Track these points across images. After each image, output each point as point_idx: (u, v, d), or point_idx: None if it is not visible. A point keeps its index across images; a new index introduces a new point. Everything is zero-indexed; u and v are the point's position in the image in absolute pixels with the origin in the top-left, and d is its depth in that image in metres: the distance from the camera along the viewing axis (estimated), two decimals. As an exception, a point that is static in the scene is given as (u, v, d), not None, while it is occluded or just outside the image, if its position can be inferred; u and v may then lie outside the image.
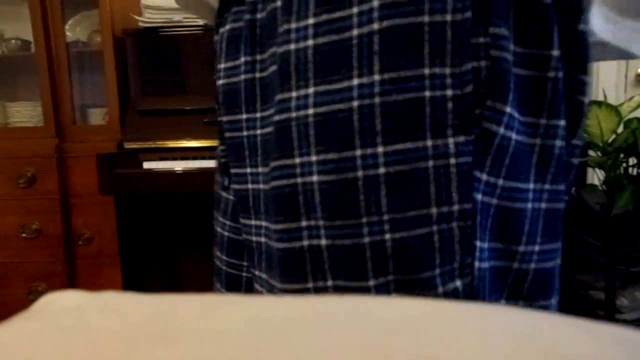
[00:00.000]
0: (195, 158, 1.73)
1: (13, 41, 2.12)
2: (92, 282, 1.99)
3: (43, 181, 1.95)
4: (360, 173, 0.45)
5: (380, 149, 0.44)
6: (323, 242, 0.47)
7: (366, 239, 0.45)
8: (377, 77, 0.44)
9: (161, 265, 2.11)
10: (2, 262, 2.00)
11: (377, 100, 0.44)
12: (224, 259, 0.66)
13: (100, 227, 1.97)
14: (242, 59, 0.54)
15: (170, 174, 1.72)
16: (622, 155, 1.61)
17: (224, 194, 0.64)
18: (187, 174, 1.70)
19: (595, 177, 1.84)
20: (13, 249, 1.99)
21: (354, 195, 0.45)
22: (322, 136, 0.46)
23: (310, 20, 0.46)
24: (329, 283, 0.47)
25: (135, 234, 1.95)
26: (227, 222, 0.64)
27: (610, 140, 1.61)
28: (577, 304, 1.80)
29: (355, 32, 0.44)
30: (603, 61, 0.78)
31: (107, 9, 1.90)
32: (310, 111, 0.46)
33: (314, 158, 0.46)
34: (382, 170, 0.45)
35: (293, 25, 0.47)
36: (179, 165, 1.72)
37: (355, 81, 0.44)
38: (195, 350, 0.19)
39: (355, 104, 0.44)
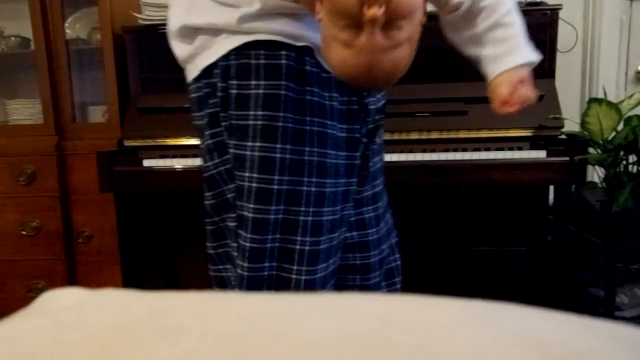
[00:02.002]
0: (195, 156, 1.73)
1: (13, 39, 2.11)
2: (92, 280, 1.99)
3: (43, 179, 1.94)
4: None
5: None
6: None
7: None
8: None
9: (161, 263, 2.12)
10: (2, 259, 2.00)
11: None
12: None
13: (100, 224, 1.97)
14: None
15: (170, 171, 1.72)
16: (622, 153, 1.61)
17: None
18: (187, 171, 1.70)
19: (595, 174, 1.84)
20: (13, 247, 1.99)
21: None
22: None
23: None
24: None
25: (135, 231, 1.95)
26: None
27: (610, 138, 1.61)
28: (576, 302, 1.80)
29: None
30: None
31: (107, 7, 1.90)
32: None
33: None
34: None
35: None
36: (178, 163, 1.72)
37: None
38: (195, 347, 0.19)
39: None
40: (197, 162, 1.70)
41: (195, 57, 0.86)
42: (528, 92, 0.88)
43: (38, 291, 2.01)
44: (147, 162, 1.75)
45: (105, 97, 1.98)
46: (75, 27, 2.12)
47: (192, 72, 0.88)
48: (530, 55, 0.92)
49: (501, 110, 0.89)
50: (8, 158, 1.95)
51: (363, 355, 0.18)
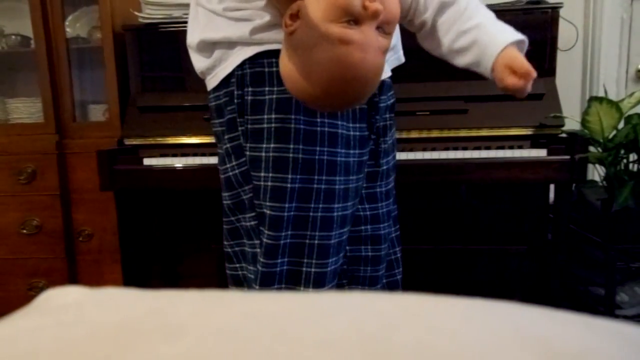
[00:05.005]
0: (195, 154, 1.73)
1: (13, 37, 2.11)
2: (93, 279, 1.99)
3: (43, 177, 1.94)
4: None
5: None
6: None
7: None
8: None
9: (161, 262, 2.12)
10: (2, 258, 2.01)
11: None
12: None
13: (100, 223, 1.97)
14: None
15: (171, 170, 1.72)
16: (622, 151, 1.61)
17: None
18: (187, 170, 1.70)
19: (596, 173, 1.84)
20: (13, 245, 1.99)
21: None
22: None
23: None
24: None
25: (136, 230, 1.95)
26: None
27: (610, 136, 1.61)
28: (577, 300, 1.80)
29: None
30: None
31: (107, 5, 1.89)
32: None
33: None
34: None
35: None
36: (179, 162, 1.72)
37: None
38: (196, 345, 0.19)
39: None
40: (197, 160, 1.70)
41: (215, 69, 0.94)
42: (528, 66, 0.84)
43: (38, 290, 2.02)
44: (147, 161, 1.75)
45: (106, 95, 1.98)
46: (75, 26, 2.11)
47: (212, 82, 0.96)
48: (514, 35, 0.89)
49: (510, 82, 0.84)
50: (8, 157, 1.95)
51: (364, 353, 0.18)
